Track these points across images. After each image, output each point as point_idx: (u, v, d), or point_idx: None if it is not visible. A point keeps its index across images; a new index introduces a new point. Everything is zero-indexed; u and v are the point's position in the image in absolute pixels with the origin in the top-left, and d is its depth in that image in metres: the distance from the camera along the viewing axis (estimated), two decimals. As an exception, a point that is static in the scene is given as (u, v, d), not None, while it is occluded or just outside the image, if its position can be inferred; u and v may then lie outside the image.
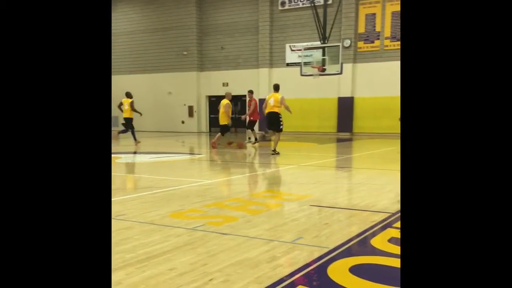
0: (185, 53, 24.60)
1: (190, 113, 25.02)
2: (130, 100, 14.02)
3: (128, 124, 14.09)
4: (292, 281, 2.51)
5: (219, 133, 12.99)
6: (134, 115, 14.23)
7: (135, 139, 14.07)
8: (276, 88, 11.44)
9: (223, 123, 12.87)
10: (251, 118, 14.71)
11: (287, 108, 10.96)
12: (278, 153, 10.84)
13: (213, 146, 12.73)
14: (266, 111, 11.18)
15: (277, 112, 10.97)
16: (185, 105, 25.07)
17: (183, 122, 25.13)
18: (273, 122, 11.10)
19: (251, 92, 15.41)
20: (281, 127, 11.05)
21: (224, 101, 12.90)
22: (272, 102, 11.00)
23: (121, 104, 13.97)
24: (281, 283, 2.49)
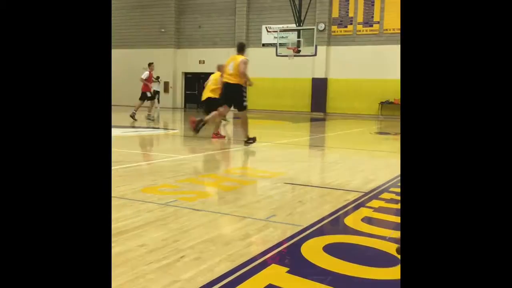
0: (162, 30, 24.52)
1: (166, 89, 24.77)
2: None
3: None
4: (265, 259, 2.48)
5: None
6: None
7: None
8: (241, 48, 8.07)
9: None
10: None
11: (247, 79, 7.83)
12: (254, 140, 8.01)
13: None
14: (223, 80, 8.00)
15: (237, 84, 7.75)
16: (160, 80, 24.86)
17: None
18: (233, 97, 7.92)
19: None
20: (245, 103, 7.94)
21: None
22: (230, 69, 7.75)
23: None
24: (254, 261, 2.45)
